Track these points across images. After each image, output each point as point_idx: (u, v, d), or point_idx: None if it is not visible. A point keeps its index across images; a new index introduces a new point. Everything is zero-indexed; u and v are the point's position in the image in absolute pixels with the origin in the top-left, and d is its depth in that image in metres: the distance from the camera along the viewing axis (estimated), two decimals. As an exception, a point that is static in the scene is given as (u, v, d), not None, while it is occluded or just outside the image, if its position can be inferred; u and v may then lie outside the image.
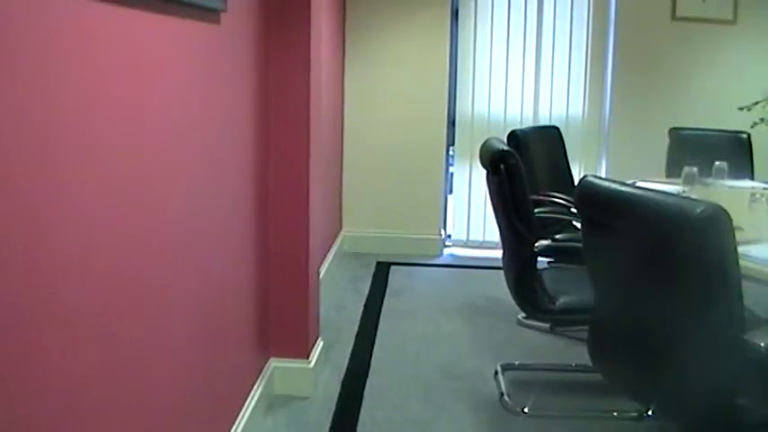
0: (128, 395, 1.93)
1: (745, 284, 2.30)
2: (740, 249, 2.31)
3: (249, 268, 3.22)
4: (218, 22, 2.59)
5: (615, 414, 3.45)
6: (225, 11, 2.59)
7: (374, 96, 6.39)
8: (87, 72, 1.64)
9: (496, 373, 3.88)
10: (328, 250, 5.63)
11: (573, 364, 3.96)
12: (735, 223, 2.23)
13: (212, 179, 2.60)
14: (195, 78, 2.39)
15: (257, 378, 3.38)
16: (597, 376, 2.90)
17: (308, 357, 3.67)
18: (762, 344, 2.21)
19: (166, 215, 2.16)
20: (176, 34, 2.19)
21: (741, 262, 2.28)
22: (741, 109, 3.69)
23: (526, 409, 3.50)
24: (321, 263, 5.00)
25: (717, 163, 4.63)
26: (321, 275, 4.54)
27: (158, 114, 2.07)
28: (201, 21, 2.41)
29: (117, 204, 1.81)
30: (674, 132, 5.38)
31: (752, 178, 5.05)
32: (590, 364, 2.86)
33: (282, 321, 3.59)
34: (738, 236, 2.30)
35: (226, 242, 2.83)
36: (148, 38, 1.98)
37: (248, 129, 3.10)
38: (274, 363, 3.60)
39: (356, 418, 3.44)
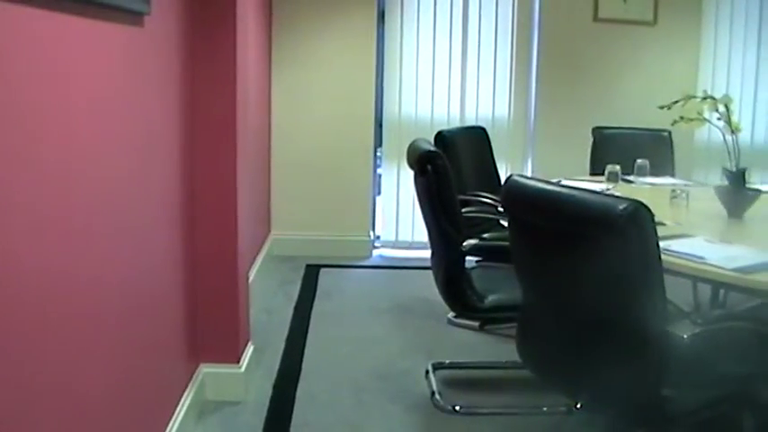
0: (50, 404, 1.89)
1: (668, 278, 2.36)
2: (662, 244, 2.37)
3: (177, 274, 3.18)
4: (141, 24, 2.56)
5: (545, 409, 3.50)
6: (148, 13, 2.55)
7: (301, 99, 6.37)
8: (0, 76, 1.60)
9: (427, 372, 3.90)
10: (257, 254, 5.60)
11: (503, 361, 4.00)
12: (657, 219, 2.28)
13: (137, 184, 2.57)
14: (118, 81, 2.35)
15: (187, 384, 3.35)
16: (527, 372, 2.93)
17: (238, 362, 3.64)
18: (685, 335, 2.26)
19: (91, 220, 2.12)
20: (97, 37, 2.16)
21: (663, 257, 2.33)
22: (662, 108, 3.76)
23: (457, 408, 3.53)
24: (250, 267, 4.97)
25: (639, 161, 4.74)
26: (250, 279, 4.52)
27: (79, 118, 2.03)
28: (124, 23, 2.38)
29: (40, 210, 1.78)
30: (598, 131, 5.48)
31: (673, 175, 5.16)
32: (519, 360, 2.89)
33: (212, 327, 3.56)
34: (660, 231, 2.35)
35: (152, 248, 2.80)
36: (67, 41, 1.94)
37: (174, 132, 3.07)
38: (205, 368, 3.57)
39: (288, 422, 3.43)
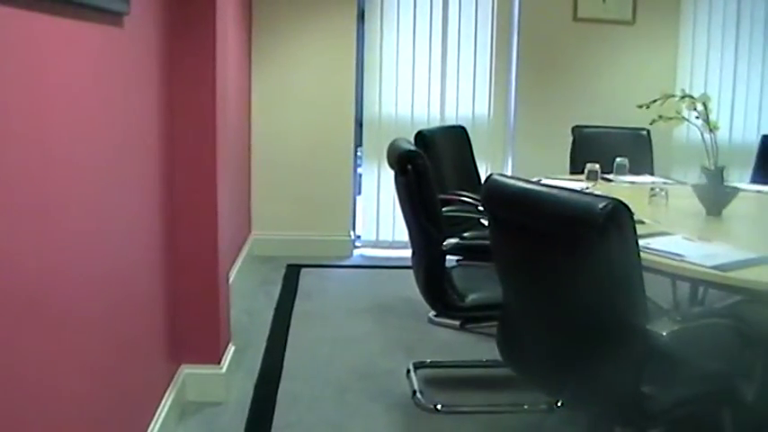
0: (29, 406, 1.88)
1: (647, 276, 2.37)
2: (642, 242, 2.39)
3: (157, 275, 3.17)
4: (121, 25, 2.55)
5: (526, 407, 3.52)
6: (128, 14, 2.54)
7: (281, 99, 6.36)
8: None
9: (409, 371, 3.91)
10: (238, 254, 5.58)
11: (484, 360, 4.01)
12: (636, 217, 2.30)
13: (115, 184, 2.55)
14: (96, 82, 2.34)
15: (168, 385, 3.34)
16: (508, 371, 2.94)
17: (219, 363, 3.63)
18: (664, 333, 2.27)
19: (68, 221, 2.11)
20: (75, 37, 2.15)
21: (643, 254, 2.35)
22: (640, 107, 3.78)
23: (439, 407, 3.53)
24: (231, 267, 4.96)
25: (618, 159, 4.76)
26: (231, 280, 4.51)
27: (58, 119, 2.02)
28: (103, 24, 2.37)
29: (16, 210, 1.76)
30: (577, 130, 5.50)
31: (652, 173, 5.19)
32: (500, 358, 2.90)
33: (193, 327, 3.55)
34: (640, 229, 2.37)
35: (132, 249, 2.79)
36: (44, 41, 1.93)
37: (153, 132, 3.06)
38: (186, 369, 3.56)
39: (270, 422, 3.43)
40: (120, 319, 2.61)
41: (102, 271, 2.41)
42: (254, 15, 6.26)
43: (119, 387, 2.61)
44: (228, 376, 3.69)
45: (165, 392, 3.27)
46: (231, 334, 3.91)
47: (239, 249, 5.71)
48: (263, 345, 4.37)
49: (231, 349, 3.84)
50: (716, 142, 3.64)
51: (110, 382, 2.51)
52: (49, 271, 1.97)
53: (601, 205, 2.19)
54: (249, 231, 6.39)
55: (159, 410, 3.13)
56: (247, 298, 5.17)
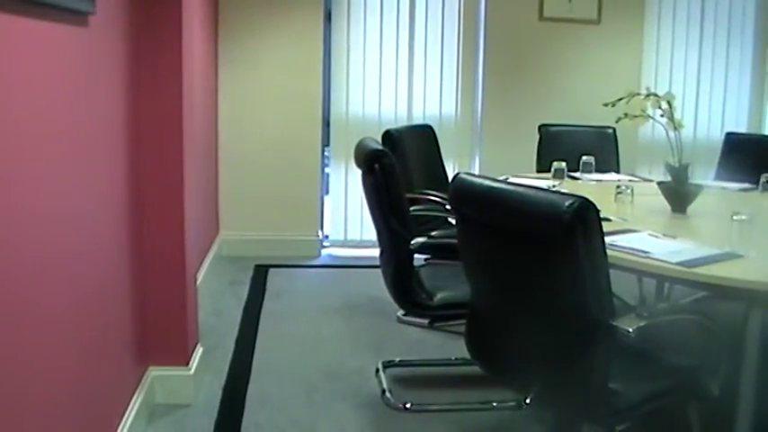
0: (-1, 410, 1.86)
1: (614, 273, 2.39)
2: (608, 240, 2.40)
3: (124, 276, 3.15)
4: (85, 24, 2.53)
5: (495, 404, 3.53)
6: (93, 13, 2.52)
7: (249, 99, 6.34)
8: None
9: (378, 370, 3.91)
10: (206, 255, 5.56)
11: (452, 358, 4.03)
12: (602, 215, 2.31)
13: (81, 184, 2.53)
14: (61, 81, 2.32)
15: (136, 388, 3.31)
16: (476, 369, 2.95)
17: (187, 364, 3.61)
18: (630, 329, 2.29)
19: (32, 223, 2.09)
20: (39, 37, 2.13)
21: (609, 252, 2.37)
22: (606, 105, 3.82)
23: (408, 405, 3.54)
24: (198, 268, 4.93)
25: (584, 157, 4.80)
26: (199, 281, 4.48)
27: (21, 120, 2.00)
28: (67, 23, 2.35)
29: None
30: (544, 129, 5.53)
31: (618, 171, 5.24)
32: (469, 356, 2.91)
33: (160, 329, 3.52)
34: (606, 227, 2.39)
35: (98, 250, 2.76)
36: (6, 41, 1.91)
37: (119, 132, 3.04)
38: (154, 371, 3.54)
39: (239, 423, 3.41)
40: (86, 322, 2.59)
41: (66, 272, 2.38)
42: (221, 16, 6.23)
43: (85, 390, 2.59)
44: (197, 378, 3.67)
45: (132, 395, 3.25)
46: (199, 335, 3.89)
47: (207, 250, 5.68)
48: (232, 346, 4.35)
49: (199, 350, 3.83)
50: (680, 140, 3.67)
51: (76, 385, 2.49)
52: (13, 273, 1.95)
53: (567, 203, 2.20)
54: (217, 232, 6.37)
55: (127, 413, 3.10)
56: (215, 299, 5.15)
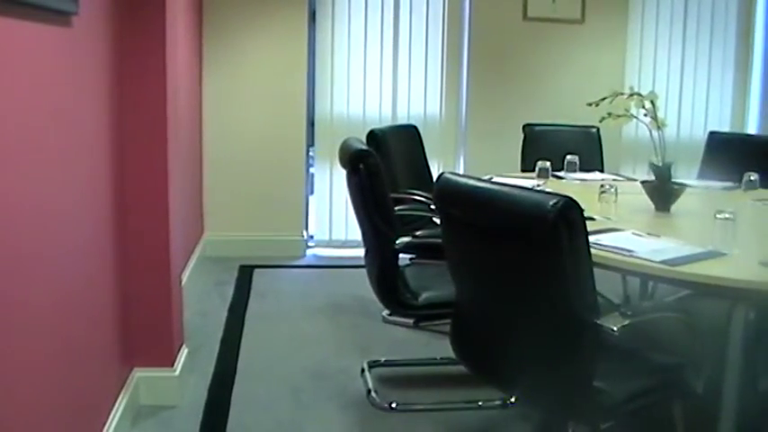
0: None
1: (598, 272, 2.40)
2: (592, 239, 2.41)
3: (109, 277, 3.14)
4: (69, 24, 2.52)
5: (480, 404, 3.53)
6: (76, 13, 2.52)
7: (233, 98, 6.33)
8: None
9: (363, 370, 3.91)
10: (190, 255, 5.54)
11: (438, 358, 4.03)
12: (586, 214, 2.32)
13: (66, 185, 2.52)
14: (45, 81, 2.31)
15: (121, 389, 3.30)
16: (462, 368, 2.95)
17: (173, 365, 3.60)
18: (615, 328, 2.30)
19: (16, 222, 2.08)
20: (22, 37, 2.12)
21: (593, 251, 2.37)
22: (590, 105, 3.83)
23: (394, 405, 3.54)
24: (183, 268, 4.92)
25: (568, 157, 4.81)
26: (184, 281, 4.47)
27: (3, 119, 1.99)
28: (51, 24, 2.34)
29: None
30: (528, 128, 5.54)
31: (602, 170, 5.26)
32: (454, 356, 2.92)
33: (145, 330, 3.51)
34: (590, 226, 2.40)
35: (82, 251, 2.75)
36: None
37: (103, 133, 3.03)
38: (138, 373, 3.53)
39: (224, 425, 3.41)
40: (70, 322, 2.58)
41: (50, 273, 2.37)
42: (205, 16, 6.22)
43: (69, 392, 2.58)
44: (182, 379, 3.66)
45: (117, 397, 3.24)
46: (184, 336, 3.88)
47: (192, 250, 5.67)
48: (217, 346, 4.34)
49: (184, 351, 3.82)
50: (664, 139, 3.69)
51: (60, 386, 2.48)
52: (-3, 275, 1.94)
53: (551, 203, 2.21)
54: (202, 232, 6.35)
55: (112, 415, 3.09)
56: (200, 299, 5.14)
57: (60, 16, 2.44)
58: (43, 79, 2.31)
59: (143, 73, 3.36)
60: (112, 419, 3.07)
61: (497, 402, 3.50)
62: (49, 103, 2.35)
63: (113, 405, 3.16)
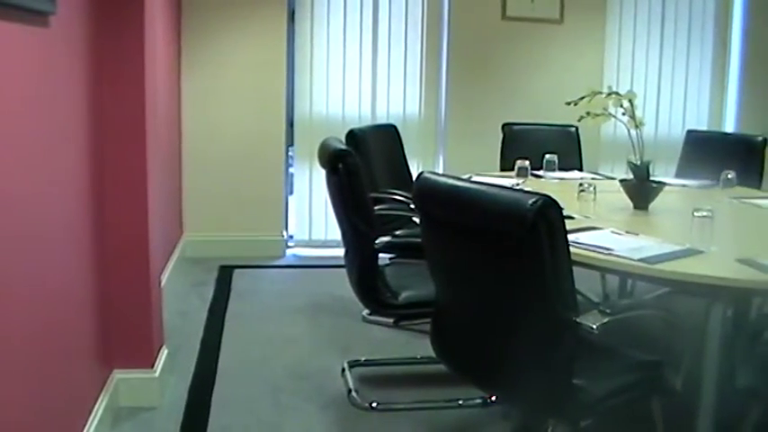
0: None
1: (577, 270, 2.41)
2: (571, 237, 2.42)
3: (87, 278, 3.12)
4: (46, 24, 2.50)
5: (461, 402, 3.54)
6: (54, 13, 2.50)
7: (212, 99, 6.31)
8: None
9: (343, 370, 3.91)
10: (170, 256, 5.52)
11: (418, 357, 4.04)
12: (565, 212, 2.33)
13: (44, 184, 2.51)
14: (21, 82, 2.30)
15: (101, 391, 3.29)
16: (442, 367, 2.96)
17: (152, 367, 3.59)
18: (594, 326, 2.31)
19: (-4, 226, 2.07)
20: (-1, 38, 2.11)
21: (572, 249, 2.38)
22: (568, 104, 3.85)
23: (374, 404, 3.54)
24: (163, 269, 4.90)
25: (547, 156, 4.83)
26: (163, 282, 4.46)
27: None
28: (27, 24, 2.33)
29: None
30: (507, 128, 5.55)
31: (580, 169, 5.28)
32: (434, 355, 2.92)
33: (125, 331, 3.50)
34: (569, 224, 2.41)
35: (60, 252, 2.74)
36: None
37: (82, 133, 3.01)
38: (118, 374, 3.51)
39: (205, 426, 3.40)
40: (48, 324, 2.56)
41: (27, 273, 2.36)
42: (184, 15, 6.19)
43: (48, 394, 2.56)
44: (162, 380, 3.65)
45: (97, 398, 3.22)
46: (164, 337, 3.87)
47: (171, 251, 5.65)
48: (197, 347, 4.33)
49: (164, 352, 3.80)
50: (642, 138, 3.71)
51: (38, 389, 2.46)
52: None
53: (530, 201, 2.22)
54: (181, 233, 6.33)
55: (92, 417, 3.08)
56: (180, 300, 5.12)
57: (38, 16, 2.42)
58: (20, 78, 2.29)
59: (122, 72, 3.35)
60: (92, 421, 3.05)
61: (478, 401, 3.51)
62: (26, 102, 2.34)
63: (93, 407, 3.14)
